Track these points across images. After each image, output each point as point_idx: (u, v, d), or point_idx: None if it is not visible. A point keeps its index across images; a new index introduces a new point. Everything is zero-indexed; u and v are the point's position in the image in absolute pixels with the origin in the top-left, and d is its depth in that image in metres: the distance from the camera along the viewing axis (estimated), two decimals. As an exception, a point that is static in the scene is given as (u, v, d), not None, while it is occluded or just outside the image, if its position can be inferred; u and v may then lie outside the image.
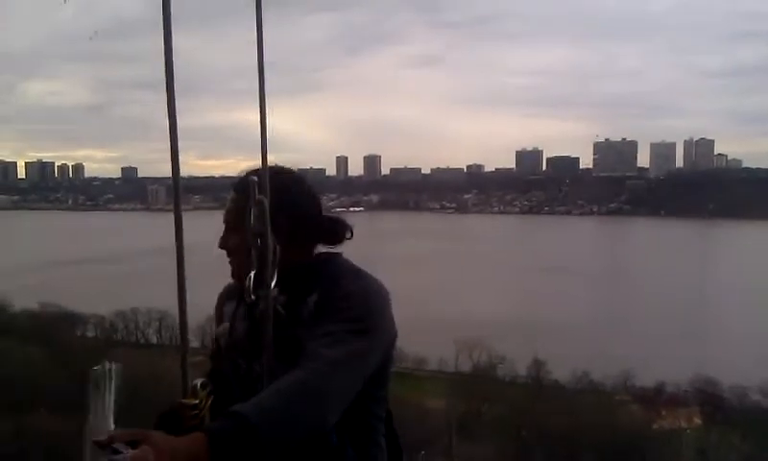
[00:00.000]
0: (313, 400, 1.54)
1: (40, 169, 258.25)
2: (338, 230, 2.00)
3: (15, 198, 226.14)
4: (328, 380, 1.59)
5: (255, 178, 1.72)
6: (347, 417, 1.69)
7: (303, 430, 1.51)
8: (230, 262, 1.98)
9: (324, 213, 2.04)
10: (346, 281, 1.85)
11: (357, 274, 1.91)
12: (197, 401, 1.53)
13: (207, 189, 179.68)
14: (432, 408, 41.84)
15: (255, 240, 1.68)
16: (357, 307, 1.78)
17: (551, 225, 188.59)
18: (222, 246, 1.98)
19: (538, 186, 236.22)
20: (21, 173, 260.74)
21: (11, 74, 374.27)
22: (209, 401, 1.58)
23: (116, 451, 1.29)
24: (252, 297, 1.72)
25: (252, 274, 1.71)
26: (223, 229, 1.98)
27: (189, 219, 1.77)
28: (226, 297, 2.13)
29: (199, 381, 1.56)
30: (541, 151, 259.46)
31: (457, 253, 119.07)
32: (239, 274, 1.89)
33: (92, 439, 1.31)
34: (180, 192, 1.55)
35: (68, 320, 55.50)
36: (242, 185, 1.85)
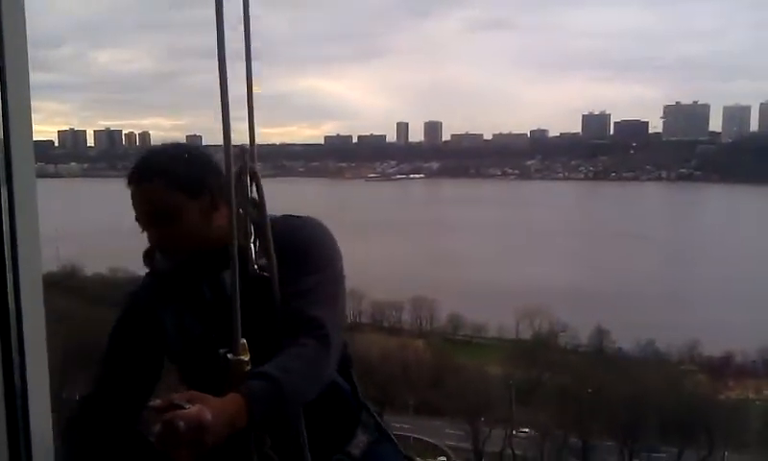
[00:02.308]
0: (322, 361, 1.72)
1: (108, 137, 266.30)
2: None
3: (85, 166, 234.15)
4: (329, 339, 1.73)
5: (242, 149, 1.73)
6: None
7: (317, 387, 1.73)
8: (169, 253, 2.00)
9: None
10: (293, 232, 1.87)
11: (300, 220, 1.94)
12: (247, 358, 1.60)
13: (267, 157, 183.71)
14: (492, 375, 41.79)
15: (252, 211, 1.73)
16: (318, 255, 1.86)
17: (617, 191, 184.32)
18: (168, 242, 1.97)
19: (604, 151, 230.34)
20: (90, 141, 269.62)
21: (81, 42, 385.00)
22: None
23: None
24: (256, 266, 1.75)
25: (252, 243, 1.75)
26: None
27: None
28: (155, 307, 2.09)
29: (243, 339, 1.60)
30: (609, 115, 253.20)
31: (519, 220, 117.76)
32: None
33: (150, 404, 1.42)
34: (231, 163, 1.58)
35: (137, 283, 57.57)
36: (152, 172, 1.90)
